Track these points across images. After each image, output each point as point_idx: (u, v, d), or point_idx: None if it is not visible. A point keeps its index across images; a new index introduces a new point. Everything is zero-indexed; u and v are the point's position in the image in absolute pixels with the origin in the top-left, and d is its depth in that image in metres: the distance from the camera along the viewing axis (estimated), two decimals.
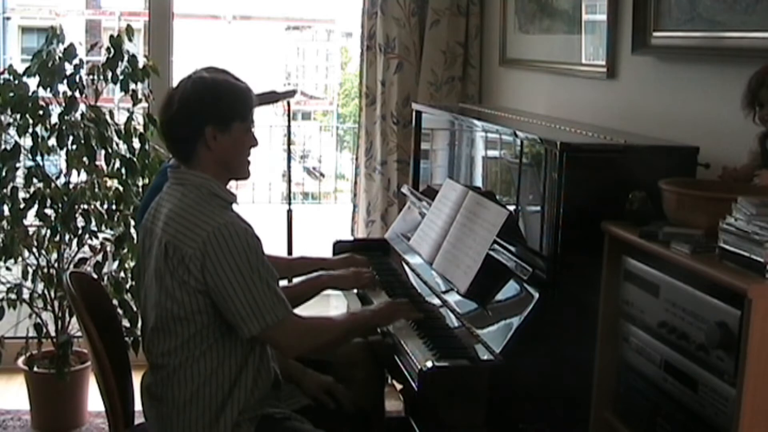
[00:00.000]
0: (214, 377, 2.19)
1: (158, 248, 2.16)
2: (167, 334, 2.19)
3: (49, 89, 3.59)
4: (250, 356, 2.23)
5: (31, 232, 3.65)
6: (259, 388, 2.26)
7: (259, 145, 2.29)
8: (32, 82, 3.60)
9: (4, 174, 3.56)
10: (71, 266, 3.66)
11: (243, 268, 2.10)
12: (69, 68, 3.60)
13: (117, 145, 3.66)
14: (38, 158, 3.58)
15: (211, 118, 2.18)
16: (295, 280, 3.12)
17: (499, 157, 2.83)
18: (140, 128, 3.71)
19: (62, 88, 3.61)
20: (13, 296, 3.65)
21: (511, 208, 2.60)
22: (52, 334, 3.72)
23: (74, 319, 3.32)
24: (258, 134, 2.32)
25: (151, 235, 2.24)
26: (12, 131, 3.59)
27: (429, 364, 2.24)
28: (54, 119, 3.60)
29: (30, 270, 3.68)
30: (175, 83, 2.32)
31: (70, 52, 3.61)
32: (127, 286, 3.67)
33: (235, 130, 2.21)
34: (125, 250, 3.66)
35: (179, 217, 2.15)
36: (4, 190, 3.56)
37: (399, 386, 3.40)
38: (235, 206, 2.26)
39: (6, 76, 3.59)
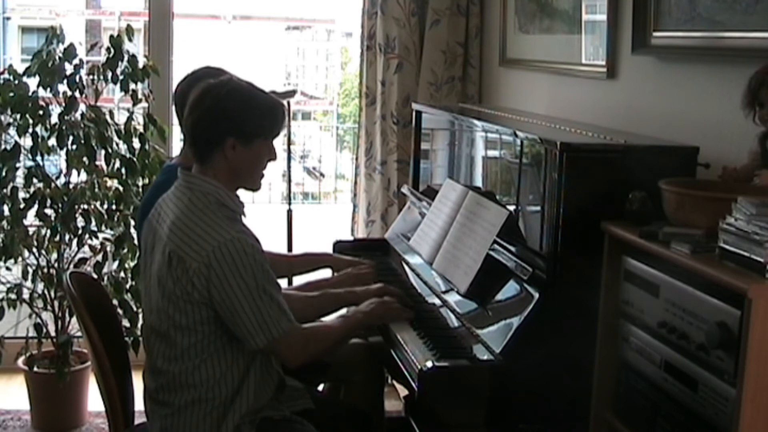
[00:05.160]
0: (216, 386, 2.18)
1: (162, 255, 2.14)
2: (167, 340, 2.18)
3: (49, 89, 3.59)
4: (253, 365, 2.22)
5: (31, 232, 3.65)
6: (263, 394, 2.25)
7: (277, 159, 2.27)
8: (32, 82, 3.60)
9: (4, 174, 3.56)
10: (71, 266, 3.65)
11: (249, 283, 2.09)
12: (69, 68, 3.60)
13: (117, 145, 3.66)
14: (38, 158, 3.58)
15: (236, 131, 2.16)
16: (296, 279, 3.13)
17: (499, 157, 2.82)
18: (140, 128, 3.71)
19: (62, 88, 3.61)
20: (13, 296, 3.65)
21: (511, 208, 2.60)
22: (52, 334, 3.72)
23: (74, 319, 3.31)
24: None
25: (154, 236, 2.23)
26: (12, 131, 3.59)
27: (429, 364, 2.23)
28: (54, 119, 3.60)
29: (30, 270, 3.68)
30: (175, 82, 2.31)
31: (70, 52, 3.61)
32: (127, 286, 3.67)
33: (257, 146, 2.20)
34: (125, 250, 3.66)
35: (185, 227, 2.13)
36: (4, 190, 3.56)
37: (399, 386, 3.40)
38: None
39: (6, 76, 3.60)
